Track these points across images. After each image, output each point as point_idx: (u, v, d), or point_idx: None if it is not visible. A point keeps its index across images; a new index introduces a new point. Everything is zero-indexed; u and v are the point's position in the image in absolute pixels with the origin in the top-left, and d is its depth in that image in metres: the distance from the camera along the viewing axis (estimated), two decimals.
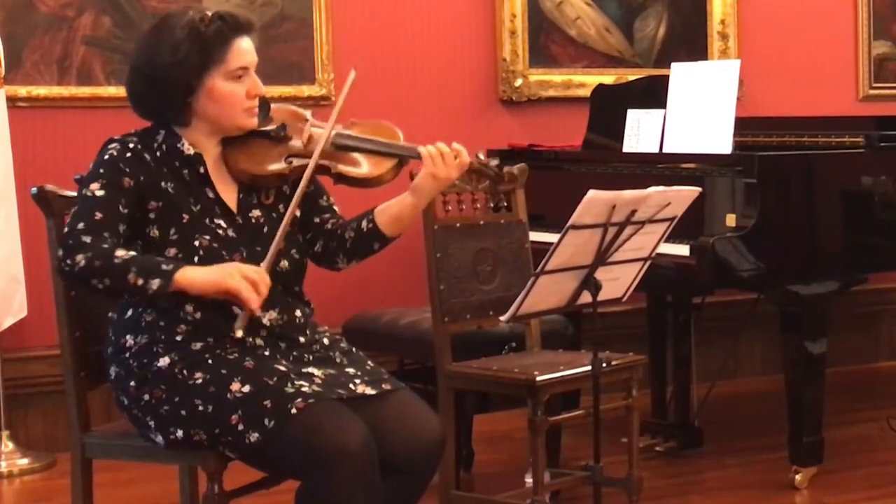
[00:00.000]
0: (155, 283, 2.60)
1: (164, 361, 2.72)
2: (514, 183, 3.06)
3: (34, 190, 2.96)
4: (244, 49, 2.79)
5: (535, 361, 3.55)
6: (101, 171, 2.72)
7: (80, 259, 2.61)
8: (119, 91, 4.69)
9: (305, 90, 4.91)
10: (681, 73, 4.32)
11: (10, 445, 4.50)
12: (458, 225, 3.68)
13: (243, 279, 2.62)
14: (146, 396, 2.72)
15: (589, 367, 3.14)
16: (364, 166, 2.87)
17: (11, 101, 4.52)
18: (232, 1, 4.82)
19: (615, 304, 3.25)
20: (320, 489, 2.60)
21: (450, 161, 2.87)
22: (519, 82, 5.28)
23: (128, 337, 2.76)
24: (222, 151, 2.84)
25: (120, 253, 2.62)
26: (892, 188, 4.21)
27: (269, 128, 2.86)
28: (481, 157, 3.00)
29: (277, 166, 2.83)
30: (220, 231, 2.78)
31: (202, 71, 2.74)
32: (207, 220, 2.77)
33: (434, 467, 2.84)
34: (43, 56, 4.64)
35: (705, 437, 4.54)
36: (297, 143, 2.87)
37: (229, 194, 2.84)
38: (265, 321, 2.78)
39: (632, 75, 5.11)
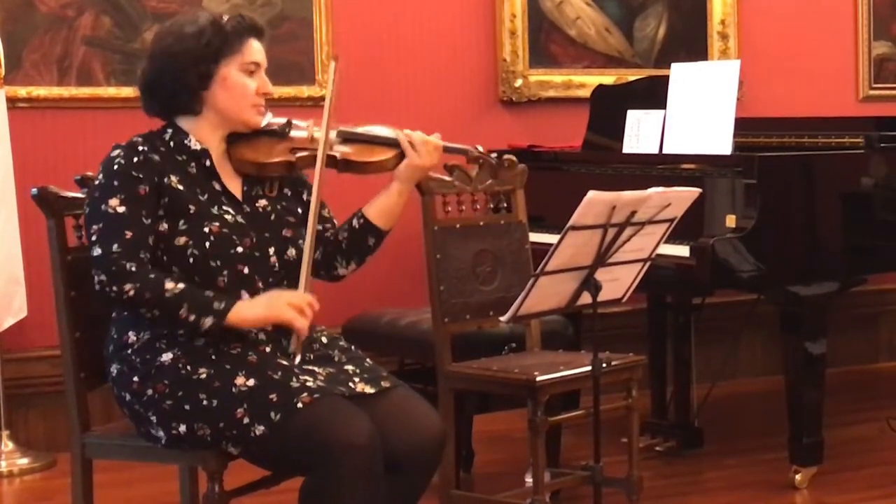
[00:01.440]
0: (208, 322, 2.69)
1: (167, 357, 2.74)
2: (515, 168, 3.14)
3: (34, 190, 2.96)
4: (257, 48, 2.91)
5: (535, 362, 3.55)
6: (116, 183, 2.74)
7: (129, 289, 2.67)
8: (119, 91, 4.74)
9: (305, 90, 4.91)
10: (681, 74, 4.33)
11: (10, 445, 4.50)
12: (457, 226, 3.68)
13: (291, 308, 2.72)
14: (149, 391, 2.74)
15: (589, 368, 3.14)
16: (368, 153, 2.97)
17: (11, 101, 4.52)
18: (232, 0, 4.82)
19: (615, 304, 3.25)
20: (326, 483, 2.61)
21: (429, 148, 2.96)
22: (519, 83, 5.28)
23: (130, 333, 2.78)
24: (227, 147, 2.90)
25: (169, 286, 2.68)
26: (892, 189, 4.21)
27: (273, 126, 2.94)
28: (479, 148, 3.10)
29: (284, 156, 2.91)
30: (229, 217, 2.83)
31: (219, 58, 2.84)
32: (215, 209, 2.82)
33: (436, 464, 2.85)
34: (43, 56, 4.64)
35: (705, 437, 4.54)
36: (300, 137, 2.94)
37: (234, 187, 2.90)
38: None
39: (632, 75, 5.11)
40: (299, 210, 2.95)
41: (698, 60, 4.92)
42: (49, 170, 4.50)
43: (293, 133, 2.95)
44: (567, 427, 4.00)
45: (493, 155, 3.13)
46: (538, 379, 3.32)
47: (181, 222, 2.76)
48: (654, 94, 4.41)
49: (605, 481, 3.20)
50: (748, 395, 5.41)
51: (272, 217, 2.90)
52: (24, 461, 4.47)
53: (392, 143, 2.98)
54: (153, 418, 2.75)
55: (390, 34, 5.10)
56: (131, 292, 2.67)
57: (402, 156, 2.97)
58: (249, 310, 2.73)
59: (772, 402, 4.87)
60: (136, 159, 2.77)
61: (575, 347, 4.03)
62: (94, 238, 2.72)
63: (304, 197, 3.00)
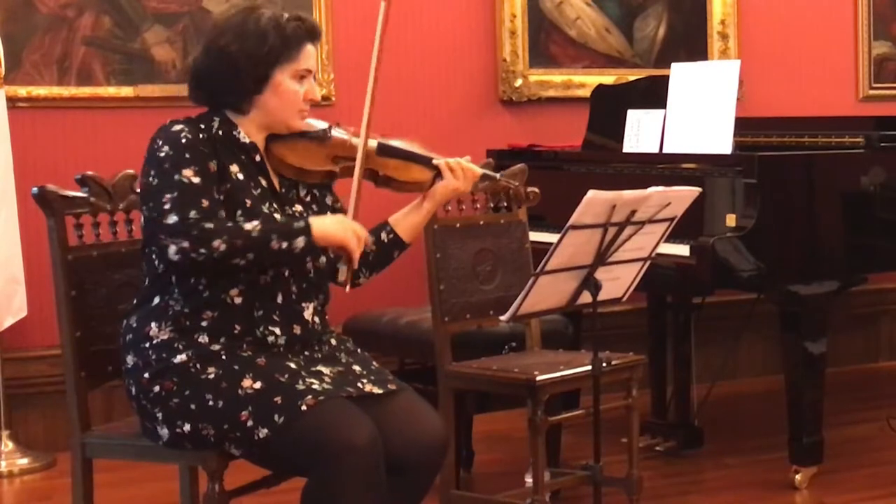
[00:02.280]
0: (301, 241, 2.72)
1: (181, 357, 2.74)
2: (538, 199, 3.34)
3: (34, 190, 2.96)
4: (311, 53, 2.90)
5: (535, 361, 3.55)
6: (188, 155, 2.73)
7: (219, 244, 2.66)
8: (119, 91, 4.75)
9: None
10: (681, 73, 4.33)
11: (10, 445, 4.50)
12: (457, 225, 3.68)
13: (356, 237, 2.77)
14: (157, 388, 2.74)
15: (589, 367, 3.14)
16: (406, 172, 2.99)
17: (11, 101, 4.52)
18: (232, 1, 4.81)
19: (615, 304, 3.25)
20: (327, 485, 2.61)
21: (468, 174, 3.00)
22: (519, 82, 5.28)
23: (152, 325, 2.78)
24: (267, 147, 2.90)
25: (249, 226, 2.70)
26: (891, 188, 4.21)
27: (313, 130, 2.94)
28: (503, 175, 3.24)
29: (326, 164, 2.91)
30: (277, 216, 2.83)
31: (276, 64, 2.83)
32: (265, 206, 2.82)
33: (437, 468, 2.86)
34: (43, 56, 4.64)
35: (705, 437, 4.54)
36: (340, 145, 2.94)
37: (276, 185, 2.91)
38: (306, 315, 2.84)
39: (632, 75, 5.11)
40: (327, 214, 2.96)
41: (698, 60, 4.92)
42: (49, 169, 4.50)
43: (333, 139, 2.94)
44: (567, 427, 4.00)
45: (517, 184, 3.26)
46: (538, 378, 3.32)
47: (238, 213, 2.77)
48: (654, 94, 4.41)
49: (605, 481, 3.20)
50: (748, 395, 5.41)
51: (310, 217, 2.88)
52: (24, 461, 4.47)
53: (429, 164, 3.00)
54: (159, 415, 2.75)
55: (390, 34, 5.05)
56: (222, 247, 2.65)
57: (437, 177, 3.00)
58: (325, 227, 2.75)
59: (772, 402, 4.87)
60: (202, 136, 2.77)
61: (575, 347, 4.03)
62: (167, 206, 2.68)
63: (329, 202, 3.00)
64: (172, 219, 2.67)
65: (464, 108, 5.23)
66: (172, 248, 2.66)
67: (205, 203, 2.70)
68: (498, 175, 3.16)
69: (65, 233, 2.96)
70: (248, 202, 2.79)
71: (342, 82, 4.96)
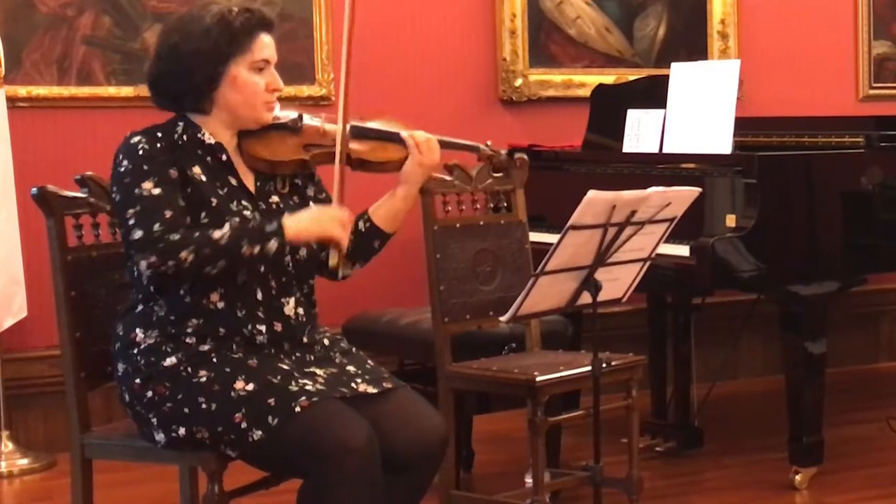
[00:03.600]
0: (273, 244, 2.70)
1: (170, 360, 2.74)
2: (525, 167, 3.23)
3: (34, 190, 2.96)
4: (266, 43, 2.86)
5: (535, 362, 3.55)
6: (146, 167, 2.72)
7: (187, 255, 2.65)
8: (119, 91, 4.74)
9: (305, 90, 4.91)
10: (681, 73, 4.32)
11: (10, 445, 4.50)
12: (457, 225, 3.68)
13: (336, 223, 2.76)
14: (149, 393, 2.74)
15: (589, 368, 3.14)
16: (381, 152, 2.97)
17: (11, 101, 4.52)
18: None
19: (615, 304, 3.25)
20: (323, 487, 2.61)
21: (430, 146, 2.97)
22: (519, 82, 5.28)
23: (137, 331, 2.78)
24: (239, 142, 2.88)
25: (217, 234, 2.68)
26: (891, 188, 4.21)
27: (284, 120, 2.93)
28: (489, 145, 3.15)
29: (298, 153, 2.89)
30: (248, 213, 2.81)
31: (228, 58, 2.80)
32: (234, 205, 2.81)
33: (438, 464, 2.85)
34: (43, 56, 4.64)
35: (705, 437, 4.54)
36: (313, 133, 2.93)
37: (248, 182, 2.89)
38: (287, 311, 2.82)
39: (632, 75, 5.11)
40: (311, 205, 2.94)
41: (698, 60, 4.91)
42: (49, 169, 4.50)
43: (305, 127, 2.93)
44: (567, 427, 4.00)
45: (504, 152, 3.19)
46: (538, 379, 3.32)
47: (202, 215, 2.75)
48: (654, 94, 4.41)
49: (605, 481, 3.20)
50: (748, 395, 5.41)
51: (285, 214, 2.86)
52: (24, 461, 4.47)
53: (399, 140, 2.97)
54: (153, 420, 2.75)
55: (390, 34, 5.10)
56: (190, 257, 2.64)
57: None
58: (300, 225, 2.74)
59: (772, 402, 4.86)
60: (159, 145, 2.76)
61: (575, 347, 4.03)
62: (131, 222, 2.68)
63: (311, 192, 2.99)
64: (138, 234, 2.67)
65: (464, 108, 5.23)
66: (143, 264, 2.67)
67: (168, 214, 2.68)
68: (476, 143, 3.11)
69: (64, 233, 2.96)
70: (214, 201, 2.77)
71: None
